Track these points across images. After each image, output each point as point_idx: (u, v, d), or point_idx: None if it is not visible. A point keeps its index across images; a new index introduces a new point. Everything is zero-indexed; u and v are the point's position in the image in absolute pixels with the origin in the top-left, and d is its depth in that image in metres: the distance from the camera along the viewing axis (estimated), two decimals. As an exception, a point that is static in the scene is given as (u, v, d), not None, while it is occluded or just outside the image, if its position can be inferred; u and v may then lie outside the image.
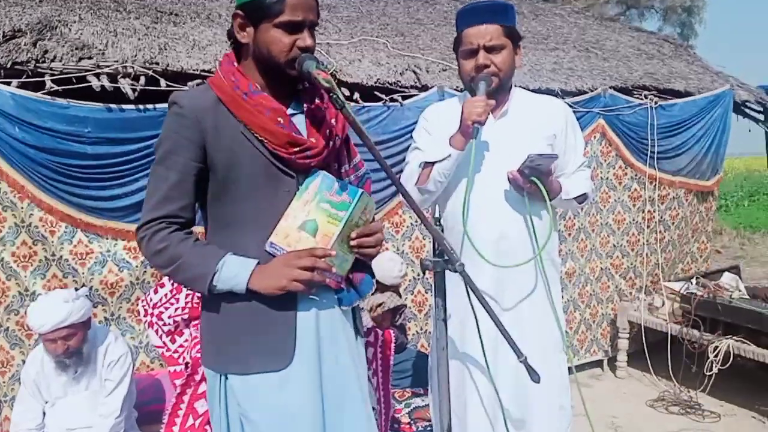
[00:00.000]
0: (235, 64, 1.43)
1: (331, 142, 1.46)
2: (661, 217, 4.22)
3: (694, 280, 3.79)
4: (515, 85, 2.03)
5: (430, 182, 1.91)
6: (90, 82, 2.61)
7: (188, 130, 1.36)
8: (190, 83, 2.80)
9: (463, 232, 1.84)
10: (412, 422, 2.62)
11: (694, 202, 4.40)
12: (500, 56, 1.86)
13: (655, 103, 4.02)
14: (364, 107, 3.22)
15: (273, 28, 1.34)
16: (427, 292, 3.50)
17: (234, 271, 1.35)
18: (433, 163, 1.90)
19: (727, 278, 3.82)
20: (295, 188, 1.42)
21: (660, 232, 4.21)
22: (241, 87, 1.38)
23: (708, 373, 3.33)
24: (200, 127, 1.36)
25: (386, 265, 2.84)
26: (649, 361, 3.86)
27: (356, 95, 3.22)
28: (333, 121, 1.46)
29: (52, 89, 2.53)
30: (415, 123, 3.15)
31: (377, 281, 2.80)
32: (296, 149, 1.38)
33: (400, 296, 3.00)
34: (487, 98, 1.81)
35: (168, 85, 2.75)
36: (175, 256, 1.35)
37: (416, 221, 3.41)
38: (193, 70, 2.86)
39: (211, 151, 1.37)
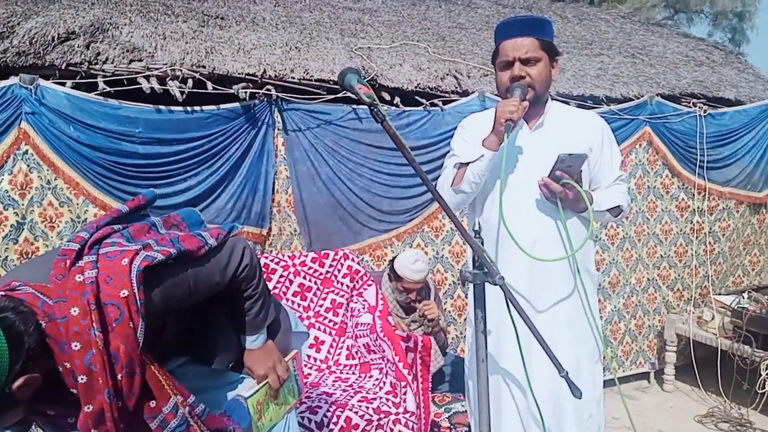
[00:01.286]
0: None
1: None
2: (711, 229, 4.08)
3: (745, 294, 3.66)
4: (551, 99, 2.05)
5: (464, 183, 1.93)
6: (140, 83, 2.67)
7: None
8: (235, 86, 2.85)
9: (497, 237, 1.85)
10: (452, 427, 2.59)
11: (745, 213, 4.24)
12: (535, 69, 1.90)
13: (704, 111, 3.90)
14: (404, 112, 3.22)
15: None
16: (467, 297, 3.46)
17: None
18: (467, 164, 1.92)
19: (781, 293, 3.66)
20: None
21: (709, 243, 4.08)
22: None
23: (760, 391, 3.20)
24: None
25: (405, 254, 2.83)
26: (697, 376, 3.72)
27: (396, 100, 3.23)
28: (110, 413, 1.19)
29: (104, 90, 2.61)
30: (455, 128, 3.20)
31: (396, 273, 2.79)
32: None
33: (434, 298, 2.96)
34: (521, 100, 1.84)
35: (214, 88, 2.81)
36: None
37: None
38: (238, 73, 2.91)
39: None
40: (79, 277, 1.18)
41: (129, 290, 1.18)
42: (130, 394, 1.20)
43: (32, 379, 1.12)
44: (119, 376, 1.18)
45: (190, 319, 1.48)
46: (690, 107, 3.90)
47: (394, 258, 2.91)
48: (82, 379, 1.15)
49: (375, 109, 1.36)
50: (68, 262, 1.22)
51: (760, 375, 3.21)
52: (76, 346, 1.15)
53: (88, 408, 1.16)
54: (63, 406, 1.23)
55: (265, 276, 2.72)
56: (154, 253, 1.25)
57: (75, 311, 1.15)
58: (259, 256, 2.85)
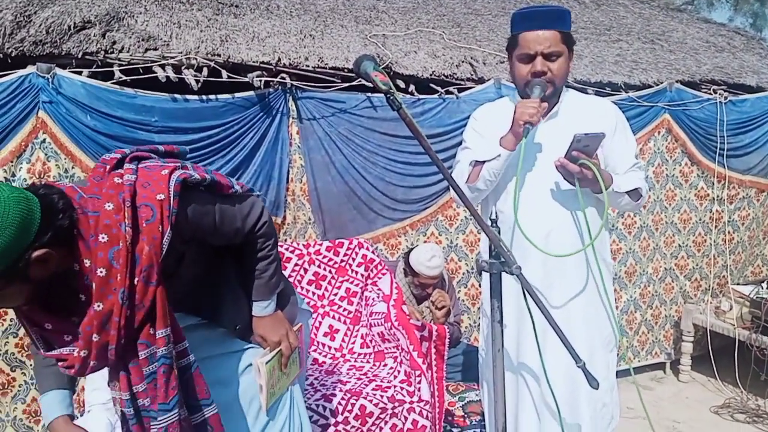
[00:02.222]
0: None
1: (105, 354, 1.23)
2: (730, 218, 4.02)
3: (764, 285, 3.61)
4: (565, 86, 2.02)
5: (480, 181, 1.92)
6: (155, 72, 2.68)
7: None
8: (249, 75, 2.85)
9: (512, 229, 1.86)
10: (465, 416, 2.59)
11: (766, 202, 4.17)
12: (557, 63, 1.87)
13: (725, 98, 3.83)
14: (419, 99, 3.19)
15: None
16: (480, 286, 3.45)
17: (43, 409, 1.47)
18: (483, 162, 1.91)
19: (801, 283, 3.61)
20: None
21: (729, 233, 4.02)
22: None
23: (778, 382, 3.17)
24: None
25: (420, 250, 2.82)
26: (714, 366, 3.69)
27: (411, 87, 3.20)
28: (117, 318, 1.20)
29: (120, 79, 2.62)
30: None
31: (412, 268, 2.79)
32: (59, 364, 1.27)
33: (446, 290, 2.95)
34: (540, 101, 1.81)
35: (229, 77, 2.80)
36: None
37: (470, 215, 3.36)
38: (253, 62, 2.90)
39: None
40: (118, 180, 1.24)
41: (165, 195, 1.22)
42: (141, 304, 1.21)
43: (50, 256, 1.13)
44: (136, 280, 1.20)
45: (205, 268, 1.49)
46: (710, 94, 3.83)
47: (408, 252, 2.90)
48: (101, 272, 1.16)
49: (391, 97, 1.35)
50: (108, 167, 1.26)
51: (779, 366, 3.18)
52: (103, 238, 1.17)
53: (99, 306, 1.17)
54: (63, 317, 1.24)
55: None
56: (192, 171, 1.32)
57: (109, 206, 1.19)
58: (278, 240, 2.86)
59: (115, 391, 1.30)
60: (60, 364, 1.26)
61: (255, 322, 1.57)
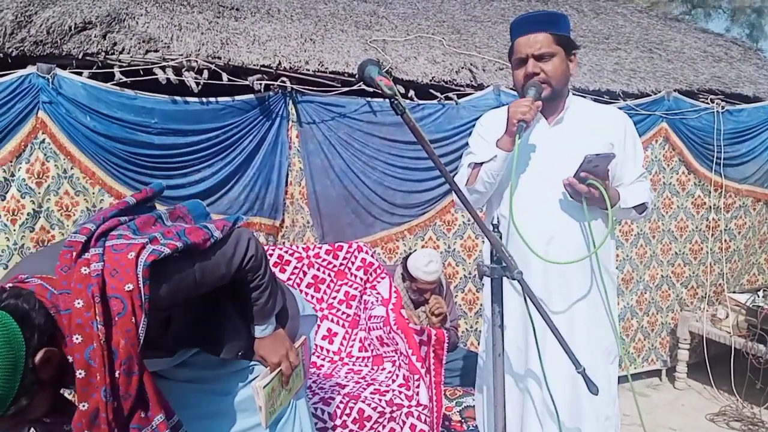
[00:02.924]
0: None
1: None
2: (726, 226, 4.04)
3: (760, 293, 3.63)
4: (572, 93, 2.02)
5: (478, 183, 1.93)
6: (156, 74, 2.68)
7: None
8: (250, 78, 2.85)
9: (508, 232, 1.85)
10: (463, 420, 2.59)
11: (762, 211, 4.20)
12: (550, 64, 1.87)
13: (722, 107, 3.86)
14: (419, 105, 3.21)
15: None
16: (478, 291, 3.45)
17: None
18: (482, 164, 1.91)
19: (796, 291, 3.63)
20: None
21: (725, 241, 4.04)
22: None
23: (774, 390, 3.18)
24: None
25: (417, 256, 2.83)
26: (710, 374, 3.70)
27: (411, 93, 3.21)
28: (104, 414, 1.17)
29: (120, 80, 2.62)
30: (470, 122, 3.21)
31: (410, 274, 2.79)
32: None
33: (444, 295, 2.95)
34: (534, 100, 1.82)
35: (230, 80, 2.81)
36: None
37: (469, 220, 3.37)
38: (254, 65, 2.91)
39: None
40: (85, 270, 1.18)
41: (134, 284, 1.17)
42: (126, 394, 1.19)
43: (52, 353, 1.12)
44: (117, 374, 1.17)
45: (198, 310, 1.48)
46: (707, 103, 3.86)
47: (406, 257, 2.90)
48: (80, 374, 1.14)
49: (395, 102, 1.35)
50: (74, 254, 1.21)
51: (774, 374, 3.19)
52: (77, 338, 1.14)
53: (84, 406, 1.15)
54: (61, 410, 1.23)
55: (279, 267, 2.74)
56: (160, 246, 1.25)
57: (79, 303, 1.15)
58: (272, 248, 2.86)
59: None
60: None
61: (256, 343, 1.55)
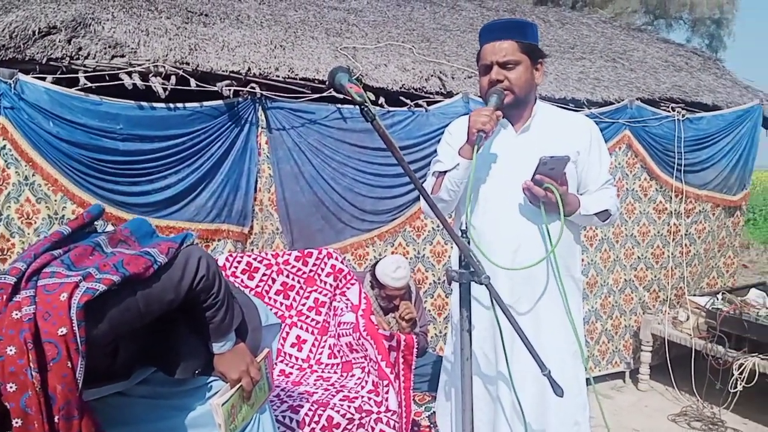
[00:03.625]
0: None
1: None
2: (687, 231, 4.17)
3: (719, 296, 3.74)
4: (538, 100, 2.03)
5: (442, 191, 1.94)
6: (122, 80, 2.65)
7: None
8: (219, 84, 2.84)
9: (467, 237, 1.86)
10: (431, 426, 2.61)
11: (721, 216, 4.33)
12: (514, 72, 1.88)
13: (683, 115, 3.98)
14: (388, 112, 3.23)
15: None
16: (447, 297, 3.48)
17: None
18: (445, 173, 1.93)
19: (754, 295, 3.75)
20: None
21: (685, 245, 4.16)
22: None
23: (732, 390, 3.27)
24: None
25: (386, 262, 2.84)
26: (672, 375, 3.80)
27: (381, 100, 3.23)
28: None
29: (85, 86, 2.58)
30: (439, 129, 3.24)
31: (378, 281, 2.81)
32: None
33: (413, 300, 2.97)
34: (495, 110, 1.83)
35: (198, 85, 2.79)
36: None
37: (438, 226, 3.41)
38: (222, 71, 2.89)
39: None
40: (16, 314, 1.13)
41: (68, 328, 1.12)
42: None
43: None
44: (56, 419, 1.12)
45: (146, 336, 1.42)
46: (669, 111, 3.97)
47: (375, 264, 2.91)
48: (16, 422, 1.09)
49: (366, 109, 1.36)
50: (4, 297, 1.16)
51: (733, 375, 3.28)
52: (11, 387, 1.09)
53: None
54: None
55: (247, 274, 2.72)
56: (95, 284, 1.19)
57: (11, 350, 1.09)
58: (241, 255, 2.84)
59: None
60: None
61: (215, 359, 1.51)
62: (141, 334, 1.39)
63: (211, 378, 1.54)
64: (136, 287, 1.26)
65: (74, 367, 1.13)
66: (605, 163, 2.04)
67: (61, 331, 1.12)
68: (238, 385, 1.50)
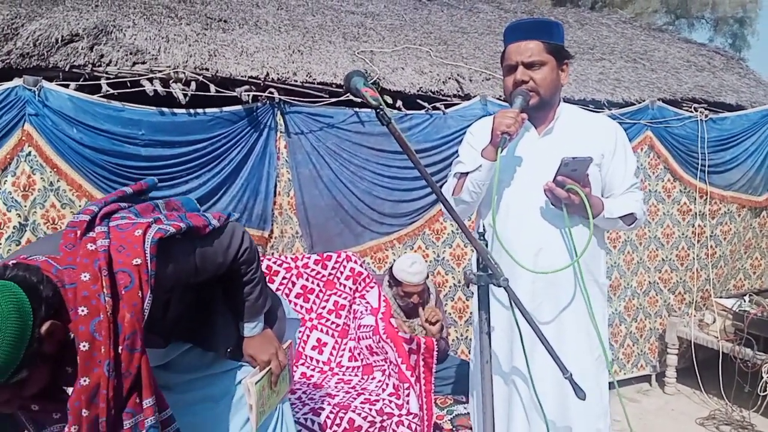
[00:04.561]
0: None
1: (96, 427, 1.18)
2: (712, 232, 4.09)
3: (746, 298, 3.66)
4: (561, 102, 1.99)
5: (464, 192, 1.92)
6: (143, 86, 2.68)
7: None
8: (237, 89, 2.86)
9: (494, 241, 1.84)
10: (454, 429, 2.59)
11: (747, 217, 4.25)
12: (540, 73, 1.85)
13: (705, 116, 3.91)
14: (406, 115, 3.22)
15: None
16: (467, 300, 3.46)
17: None
18: (468, 174, 1.90)
19: (782, 296, 3.67)
20: None
21: (711, 247, 4.09)
22: None
23: (762, 394, 3.20)
24: None
25: (402, 259, 2.85)
26: (699, 379, 3.73)
27: (399, 103, 3.23)
28: (105, 390, 1.18)
29: (107, 93, 2.62)
30: (457, 132, 3.23)
31: (395, 278, 2.81)
32: None
33: (434, 303, 2.96)
34: (520, 112, 1.80)
35: (217, 91, 2.82)
36: None
37: (457, 229, 3.38)
38: (242, 76, 2.92)
39: None
40: (91, 246, 1.18)
41: (142, 259, 1.19)
42: (127, 372, 1.18)
43: (56, 327, 1.12)
44: (120, 349, 1.16)
45: (192, 301, 1.49)
46: (691, 112, 3.91)
47: (391, 266, 2.92)
48: (83, 346, 1.13)
49: (381, 112, 1.36)
50: (78, 232, 1.22)
51: (762, 378, 3.21)
52: (83, 311, 1.14)
53: (85, 381, 1.13)
54: (53, 396, 1.21)
55: (267, 277, 2.74)
56: (165, 226, 1.27)
57: (85, 277, 1.15)
58: (261, 258, 2.85)
59: None
60: None
61: (245, 343, 1.56)
62: (188, 298, 1.45)
63: (239, 363, 1.58)
64: (195, 242, 1.36)
65: (143, 298, 1.18)
66: (631, 166, 1.98)
67: (136, 261, 1.18)
68: (267, 369, 1.53)
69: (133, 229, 1.22)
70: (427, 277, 2.91)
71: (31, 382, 1.11)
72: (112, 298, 1.15)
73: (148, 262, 1.19)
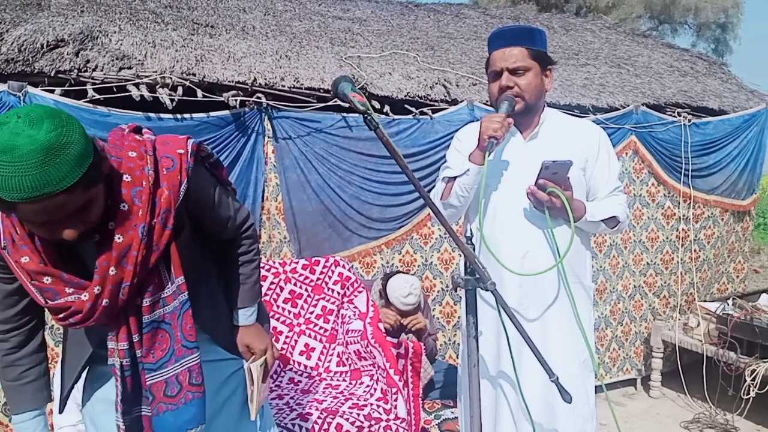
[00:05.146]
0: None
1: (118, 292, 1.24)
2: (696, 236, 4.14)
3: (730, 301, 3.70)
4: (546, 107, 2.02)
5: (452, 197, 1.94)
6: (130, 91, 2.67)
7: None
8: (225, 94, 2.86)
9: (481, 245, 1.86)
10: (441, 434, 2.59)
11: (730, 221, 4.31)
12: (524, 78, 1.88)
13: (689, 120, 3.97)
14: (393, 120, 3.24)
15: (20, 219, 1.19)
16: (455, 304, 3.47)
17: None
18: (455, 178, 1.92)
19: (765, 300, 3.72)
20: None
21: (695, 251, 4.14)
22: (6, 236, 1.24)
23: (745, 397, 3.23)
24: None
25: (399, 282, 2.81)
26: (683, 382, 3.76)
27: (386, 108, 3.25)
28: (135, 252, 1.24)
29: (93, 98, 2.60)
30: (445, 136, 3.25)
31: (387, 297, 2.80)
32: (59, 316, 1.24)
33: (422, 309, 2.96)
34: (506, 117, 1.83)
35: (204, 96, 2.81)
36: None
37: (445, 233, 3.40)
38: (228, 81, 2.91)
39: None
40: (139, 137, 1.30)
41: (184, 150, 1.31)
42: (156, 246, 1.26)
43: (105, 152, 1.19)
44: (154, 221, 1.25)
45: (192, 260, 1.47)
46: (675, 117, 3.96)
47: (387, 278, 2.89)
48: (123, 206, 1.22)
49: (369, 117, 1.37)
50: (127, 130, 1.32)
51: (745, 381, 3.24)
52: (126, 178, 1.23)
53: (119, 238, 1.22)
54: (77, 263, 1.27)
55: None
56: (201, 145, 1.40)
57: (132, 153, 1.26)
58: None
59: (113, 342, 1.30)
60: (61, 316, 1.24)
61: (241, 332, 1.56)
62: (191, 247, 1.44)
63: (227, 356, 1.57)
64: (218, 180, 1.46)
65: (181, 182, 1.29)
66: (614, 169, 2.02)
67: (179, 151, 1.31)
68: (262, 358, 1.53)
69: (175, 136, 1.36)
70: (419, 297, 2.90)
71: (97, 197, 1.16)
72: (155, 172, 1.26)
73: (189, 155, 1.31)
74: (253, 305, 1.57)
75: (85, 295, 1.21)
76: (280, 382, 2.69)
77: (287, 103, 3.01)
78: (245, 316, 1.56)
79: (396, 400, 2.42)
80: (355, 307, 2.79)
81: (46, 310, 1.30)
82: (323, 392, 2.60)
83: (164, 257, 1.30)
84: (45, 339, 1.47)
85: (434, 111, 3.33)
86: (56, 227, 1.13)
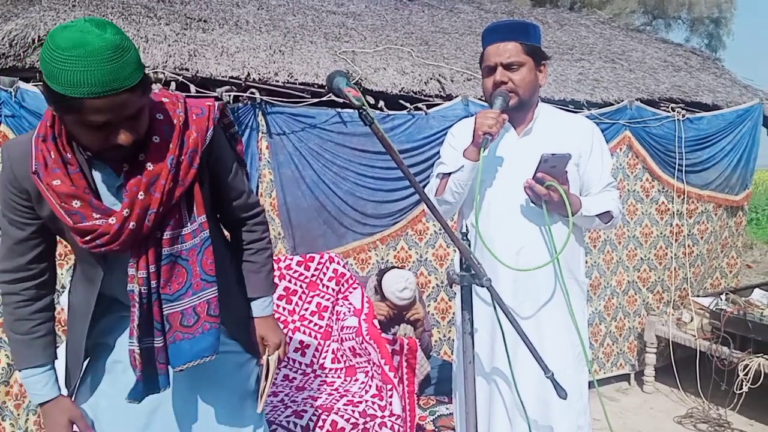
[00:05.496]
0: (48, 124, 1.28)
1: (144, 217, 1.29)
2: (690, 231, 4.16)
3: (723, 296, 3.72)
4: (540, 103, 2.02)
5: (447, 193, 1.93)
6: (122, 86, 2.65)
7: (16, 190, 1.33)
8: (218, 90, 2.84)
9: (476, 240, 1.86)
10: (436, 430, 2.59)
11: (723, 216, 4.32)
12: (518, 74, 1.88)
13: (683, 116, 3.97)
14: (388, 115, 3.23)
15: (78, 124, 1.20)
16: (450, 300, 3.48)
17: (33, 387, 1.43)
18: (450, 174, 1.92)
19: (758, 295, 3.73)
20: (101, 272, 1.39)
21: (688, 246, 4.15)
22: (39, 159, 1.26)
23: (738, 392, 3.25)
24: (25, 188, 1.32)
25: (394, 277, 2.82)
26: (677, 377, 3.78)
27: (381, 103, 3.23)
28: (164, 181, 1.30)
29: (85, 93, 2.58)
30: (439, 132, 3.24)
31: (383, 292, 2.80)
32: (86, 238, 1.27)
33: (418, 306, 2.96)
34: (501, 113, 1.82)
35: (198, 91, 2.79)
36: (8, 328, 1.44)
37: (440, 229, 3.40)
38: (222, 76, 2.90)
39: (38, 212, 1.35)
40: (170, 93, 1.40)
41: (212, 103, 1.41)
42: (182, 182, 1.33)
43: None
44: (182, 158, 1.32)
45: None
46: (669, 112, 3.97)
47: (382, 272, 2.89)
48: (155, 139, 1.30)
49: (364, 112, 1.36)
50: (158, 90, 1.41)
51: (738, 376, 3.26)
52: (159, 116, 1.31)
53: (150, 166, 1.29)
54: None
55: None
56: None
57: (165, 99, 1.35)
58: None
59: (133, 269, 1.34)
60: (87, 239, 1.27)
61: (257, 323, 1.58)
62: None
63: (232, 348, 1.56)
64: (235, 155, 1.54)
65: (208, 128, 1.38)
66: (607, 165, 2.03)
67: (208, 103, 1.41)
68: (276, 353, 1.55)
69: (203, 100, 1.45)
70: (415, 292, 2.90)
71: (146, 108, 1.24)
72: (185, 114, 1.35)
73: (216, 108, 1.41)
74: (269, 295, 1.59)
75: (112, 219, 1.26)
76: (275, 378, 2.68)
77: (281, 99, 3.00)
78: (262, 306, 1.58)
79: (391, 396, 2.42)
80: (350, 304, 2.79)
81: (57, 267, 1.37)
82: (318, 389, 2.60)
83: (187, 196, 1.36)
84: (53, 302, 1.48)
85: (429, 106, 3.32)
86: (113, 131, 1.19)
